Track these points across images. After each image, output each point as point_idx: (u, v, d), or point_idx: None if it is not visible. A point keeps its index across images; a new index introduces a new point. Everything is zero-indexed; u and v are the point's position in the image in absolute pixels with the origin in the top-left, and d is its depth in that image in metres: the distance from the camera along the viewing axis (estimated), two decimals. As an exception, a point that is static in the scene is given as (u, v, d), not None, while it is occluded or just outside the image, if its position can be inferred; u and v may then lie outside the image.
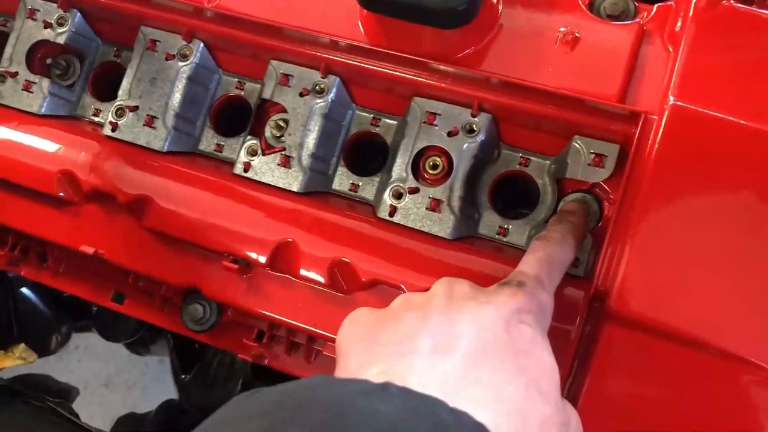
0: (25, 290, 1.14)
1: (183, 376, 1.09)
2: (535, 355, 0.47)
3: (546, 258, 0.56)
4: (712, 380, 0.57)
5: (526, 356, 0.47)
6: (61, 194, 0.76)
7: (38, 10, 0.80)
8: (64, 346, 1.26)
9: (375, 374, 0.44)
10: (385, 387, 0.39)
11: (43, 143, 0.78)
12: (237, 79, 0.78)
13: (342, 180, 0.74)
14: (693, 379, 0.58)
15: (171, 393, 1.25)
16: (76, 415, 1.02)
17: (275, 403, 0.38)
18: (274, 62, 0.73)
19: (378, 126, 0.74)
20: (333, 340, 0.69)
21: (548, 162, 0.69)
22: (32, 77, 0.80)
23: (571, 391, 0.61)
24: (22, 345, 0.95)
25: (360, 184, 0.73)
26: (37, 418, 0.96)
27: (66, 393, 1.22)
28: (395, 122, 0.73)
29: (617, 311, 0.57)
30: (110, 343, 2.49)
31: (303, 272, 0.69)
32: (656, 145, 0.58)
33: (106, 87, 0.82)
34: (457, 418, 0.38)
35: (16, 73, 0.80)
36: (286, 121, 0.73)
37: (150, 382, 2.41)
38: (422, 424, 0.36)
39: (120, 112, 0.76)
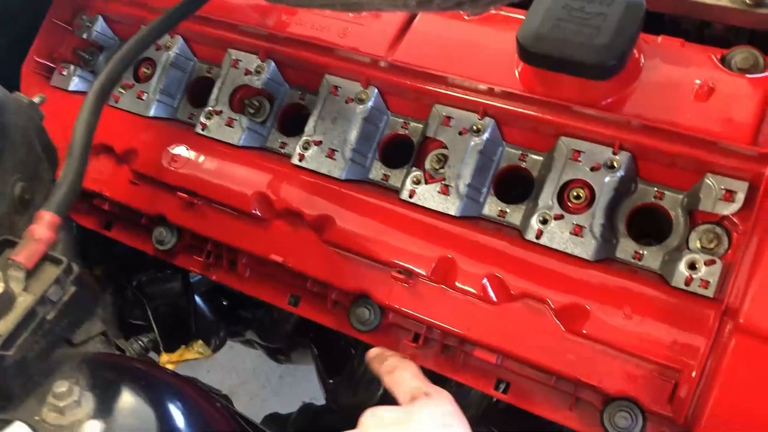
0: (196, 297, 1.32)
1: (330, 380, 1.22)
2: None
3: (415, 370, 0.74)
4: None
5: None
6: (256, 212, 0.91)
7: (240, 60, 0.98)
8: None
9: None
10: None
11: (241, 170, 0.94)
12: (403, 120, 0.92)
13: (491, 207, 0.86)
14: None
15: (289, 405, 1.39)
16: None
17: None
18: (437, 106, 0.87)
19: (525, 161, 0.85)
20: (484, 344, 0.81)
21: (681, 196, 0.78)
22: (234, 115, 0.97)
23: (701, 398, 0.69)
24: (200, 341, 1.12)
25: (508, 211, 0.85)
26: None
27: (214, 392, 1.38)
28: (540, 158, 0.84)
29: (747, 325, 0.65)
30: (233, 356, 2.68)
31: (458, 284, 0.81)
32: (784, 183, 0.67)
33: (290, 124, 0.98)
34: None
35: (221, 112, 0.97)
36: (445, 156, 0.85)
37: (269, 395, 2.59)
38: None
39: (306, 146, 0.91)
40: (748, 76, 0.75)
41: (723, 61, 0.78)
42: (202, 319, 1.31)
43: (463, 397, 1.09)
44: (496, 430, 1.07)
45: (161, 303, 1.22)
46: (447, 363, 0.86)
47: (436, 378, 0.88)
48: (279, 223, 0.91)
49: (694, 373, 0.69)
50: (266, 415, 1.37)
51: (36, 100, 0.71)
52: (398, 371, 0.74)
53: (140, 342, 0.95)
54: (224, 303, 1.38)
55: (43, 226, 0.54)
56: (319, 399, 1.33)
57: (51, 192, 0.58)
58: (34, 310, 0.51)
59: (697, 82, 0.75)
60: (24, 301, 0.51)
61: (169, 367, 1.09)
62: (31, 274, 0.53)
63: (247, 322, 1.38)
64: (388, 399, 1.12)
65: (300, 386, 2.43)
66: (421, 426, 0.62)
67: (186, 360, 1.10)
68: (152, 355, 1.19)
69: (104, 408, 0.53)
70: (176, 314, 1.23)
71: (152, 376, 0.63)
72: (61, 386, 0.52)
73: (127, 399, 0.57)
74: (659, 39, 0.81)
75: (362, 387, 1.14)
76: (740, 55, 0.77)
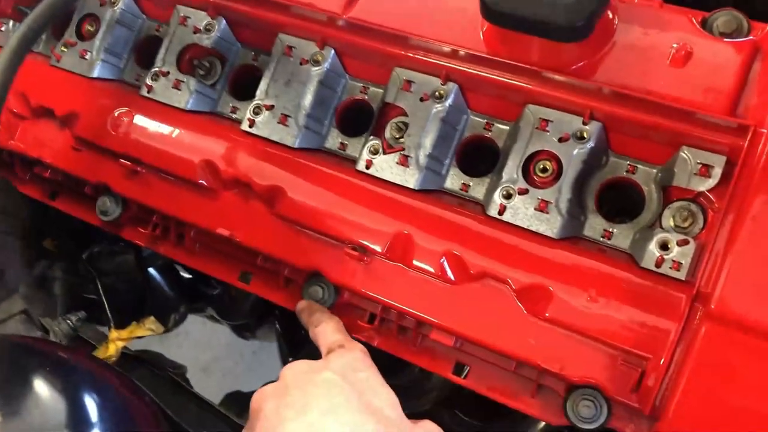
0: (152, 270, 1.26)
1: (290, 359, 1.17)
2: (374, 391, 0.66)
3: (337, 325, 0.76)
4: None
5: (367, 395, 0.64)
6: (202, 182, 0.85)
7: (189, 17, 0.91)
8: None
9: None
10: None
11: (188, 136, 0.88)
12: (362, 84, 0.85)
13: (454, 180, 0.80)
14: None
15: (262, 381, 1.34)
16: (191, 385, 1.13)
17: None
18: (398, 69, 0.80)
19: (490, 130, 0.79)
20: (440, 327, 0.76)
21: (655, 170, 0.72)
22: (181, 77, 0.90)
23: (669, 387, 0.64)
24: (152, 317, 1.06)
25: (471, 184, 0.79)
26: (159, 384, 1.07)
27: (177, 368, 1.33)
28: (507, 127, 0.78)
29: (720, 312, 0.60)
30: (209, 332, 2.64)
31: (416, 262, 0.76)
32: (764, 157, 0.61)
33: (243, 87, 0.91)
34: None
35: (168, 73, 0.90)
36: (405, 124, 0.79)
37: (243, 371, 2.55)
38: None
39: (257, 110, 0.85)
40: (728, 40, 0.69)
41: (704, 24, 0.72)
42: (159, 294, 1.25)
43: (426, 378, 1.04)
44: (461, 413, 1.03)
45: (114, 277, 1.16)
46: (404, 345, 0.81)
47: (394, 360, 0.83)
48: (227, 194, 0.85)
49: (662, 361, 0.64)
50: (227, 393, 1.32)
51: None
52: (322, 325, 0.77)
53: (68, 321, 0.89)
54: (184, 277, 1.32)
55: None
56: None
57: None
58: None
59: (674, 46, 0.69)
60: None
61: (119, 344, 1.03)
62: None
63: (207, 298, 1.33)
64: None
65: (273, 362, 2.39)
66: (331, 372, 0.66)
67: (137, 337, 1.04)
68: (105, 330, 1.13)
69: (4, 398, 0.48)
70: (130, 289, 1.17)
71: (67, 363, 0.57)
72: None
73: (34, 386, 0.51)
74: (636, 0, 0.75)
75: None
76: (722, 18, 0.71)
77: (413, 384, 1.00)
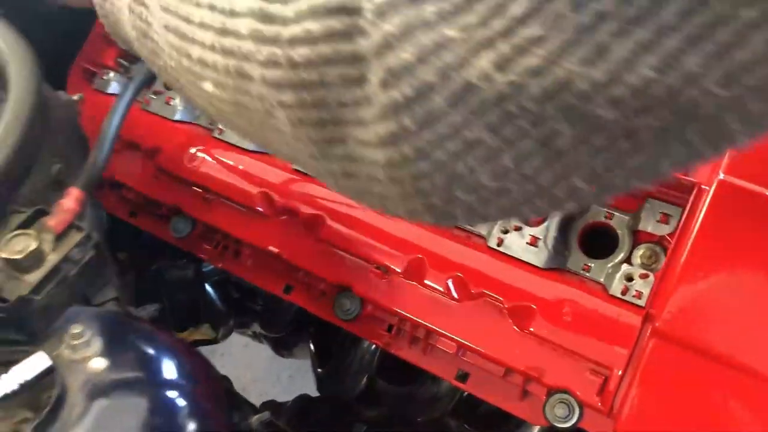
0: (207, 286, 1.45)
1: (320, 370, 1.34)
2: None
3: None
4: (744, 398, 0.73)
5: None
6: (259, 208, 1.04)
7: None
8: (223, 340, 1.56)
9: None
10: None
11: (249, 170, 1.07)
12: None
13: (464, 217, 0.97)
14: (727, 395, 0.74)
15: None
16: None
17: None
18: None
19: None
20: (445, 336, 0.92)
21: (627, 217, 0.88)
22: (247, 123, 1.10)
23: (624, 392, 0.78)
24: (207, 324, 1.24)
25: (478, 221, 0.96)
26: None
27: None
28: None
29: (663, 329, 0.75)
30: (249, 354, 2.81)
31: (427, 281, 0.93)
32: (705, 208, 0.77)
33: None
34: None
35: (237, 119, 1.10)
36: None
37: (278, 393, 2.70)
38: None
39: (307, 153, 1.04)
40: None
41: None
42: (212, 306, 1.44)
43: (437, 387, 1.20)
44: (465, 422, 1.18)
45: (175, 289, 1.36)
46: (415, 352, 0.97)
47: (407, 366, 0.99)
48: (278, 220, 1.04)
49: (619, 372, 0.79)
50: (263, 402, 1.49)
51: (75, 98, 0.85)
52: None
53: (146, 310, 1.08)
54: (233, 295, 1.51)
55: (71, 200, 0.67)
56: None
57: (79, 173, 0.72)
58: (59, 266, 0.64)
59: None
60: (52, 259, 0.64)
61: (178, 345, 1.22)
62: (59, 238, 0.66)
63: (253, 313, 1.51)
64: (372, 389, 1.24)
65: (308, 387, 2.55)
66: None
67: (193, 339, 1.22)
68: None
69: (110, 350, 0.66)
70: (188, 300, 1.36)
71: (155, 333, 0.75)
72: (75, 329, 0.64)
73: (130, 346, 0.69)
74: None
75: (348, 376, 1.25)
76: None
77: (426, 392, 1.16)
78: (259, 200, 1.04)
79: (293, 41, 0.40)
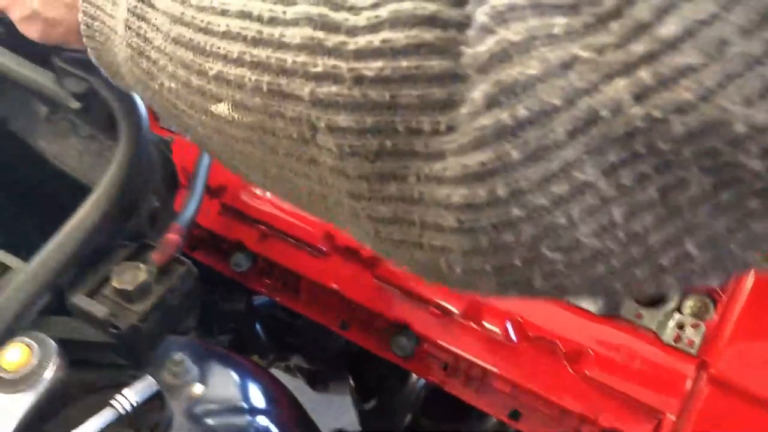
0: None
1: (364, 405, 1.38)
2: None
3: None
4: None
5: None
6: (321, 246, 1.09)
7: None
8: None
9: None
10: None
11: (312, 210, 1.13)
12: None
13: (519, 262, 1.02)
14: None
15: None
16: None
17: None
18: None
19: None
20: (501, 377, 0.96)
21: (678, 268, 0.93)
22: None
23: (678, 436, 0.82)
24: (257, 356, 1.29)
25: (532, 266, 1.01)
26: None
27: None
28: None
29: (719, 377, 0.79)
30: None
31: (485, 323, 0.97)
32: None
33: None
34: None
35: (300, 161, 1.17)
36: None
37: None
38: None
39: (368, 196, 1.09)
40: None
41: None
42: (258, 340, 1.48)
43: (482, 425, 1.23)
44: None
45: (227, 321, 1.40)
46: (470, 391, 1.01)
47: (460, 404, 1.03)
48: (338, 257, 1.09)
49: (673, 417, 0.83)
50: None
51: (168, 138, 0.91)
52: None
53: (220, 341, 1.13)
54: (277, 331, 1.55)
55: (175, 235, 0.73)
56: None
57: (180, 211, 0.78)
58: (165, 297, 0.70)
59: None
60: (158, 290, 0.70)
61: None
62: (163, 270, 0.72)
63: (293, 347, 1.55)
64: (417, 424, 1.27)
65: (327, 422, 2.56)
66: None
67: (243, 370, 1.27)
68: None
69: (205, 377, 0.71)
70: (237, 331, 1.41)
71: (239, 360, 0.80)
72: (176, 356, 0.69)
73: (223, 373, 0.74)
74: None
75: (391, 415, 1.29)
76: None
77: (471, 430, 1.19)
78: (321, 238, 1.10)
79: (362, 54, 0.35)
